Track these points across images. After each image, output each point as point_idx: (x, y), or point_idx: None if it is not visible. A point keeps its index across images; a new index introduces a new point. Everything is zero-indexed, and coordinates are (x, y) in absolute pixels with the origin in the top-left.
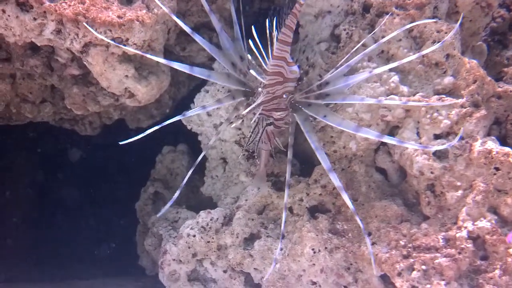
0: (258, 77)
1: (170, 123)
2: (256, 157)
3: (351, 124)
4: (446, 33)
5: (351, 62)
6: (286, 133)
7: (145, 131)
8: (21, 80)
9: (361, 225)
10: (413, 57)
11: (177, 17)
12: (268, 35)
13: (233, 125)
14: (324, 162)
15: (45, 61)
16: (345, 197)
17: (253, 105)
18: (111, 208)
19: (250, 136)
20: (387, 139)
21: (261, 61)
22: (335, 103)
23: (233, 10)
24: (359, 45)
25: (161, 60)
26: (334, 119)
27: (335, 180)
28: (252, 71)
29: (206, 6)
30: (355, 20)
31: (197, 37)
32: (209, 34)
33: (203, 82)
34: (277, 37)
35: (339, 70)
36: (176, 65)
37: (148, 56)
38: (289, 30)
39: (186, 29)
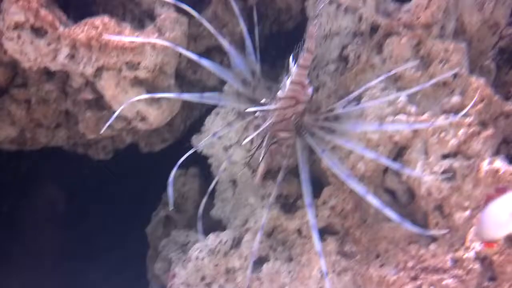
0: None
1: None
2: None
3: (344, 171)
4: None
5: (366, 105)
6: (294, 155)
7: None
8: (36, 105)
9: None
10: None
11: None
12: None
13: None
14: (306, 196)
15: (59, 86)
16: (315, 235)
17: (261, 128)
18: (122, 232)
19: (254, 153)
20: (370, 199)
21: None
22: None
23: (243, 23)
24: (378, 79)
25: (170, 95)
26: (330, 157)
27: (311, 217)
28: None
29: (212, 29)
30: (363, 40)
31: (204, 62)
32: (220, 57)
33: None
34: (298, 62)
35: (352, 110)
36: (187, 96)
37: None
38: (309, 54)
39: (192, 56)
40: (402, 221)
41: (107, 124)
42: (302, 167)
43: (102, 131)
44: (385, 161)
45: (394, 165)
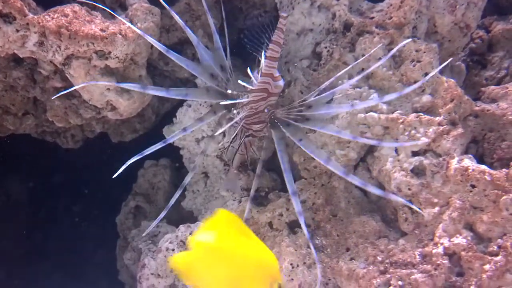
0: (246, 84)
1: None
2: (231, 165)
3: (323, 155)
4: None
5: (336, 89)
6: (269, 148)
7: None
8: (4, 92)
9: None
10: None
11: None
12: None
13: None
14: (290, 185)
15: (28, 73)
16: (302, 222)
17: (233, 121)
18: (92, 222)
19: (228, 146)
20: (351, 179)
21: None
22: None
23: (210, 19)
24: (347, 68)
25: (135, 87)
26: (308, 145)
27: (296, 205)
28: (240, 81)
29: (180, 21)
30: (336, 38)
31: (171, 54)
32: (193, 49)
33: None
34: (265, 54)
35: (323, 96)
36: (152, 91)
37: (123, 85)
38: (277, 46)
39: (160, 47)
40: (386, 194)
41: (61, 93)
42: (281, 156)
43: (53, 97)
44: (364, 140)
45: (372, 142)
